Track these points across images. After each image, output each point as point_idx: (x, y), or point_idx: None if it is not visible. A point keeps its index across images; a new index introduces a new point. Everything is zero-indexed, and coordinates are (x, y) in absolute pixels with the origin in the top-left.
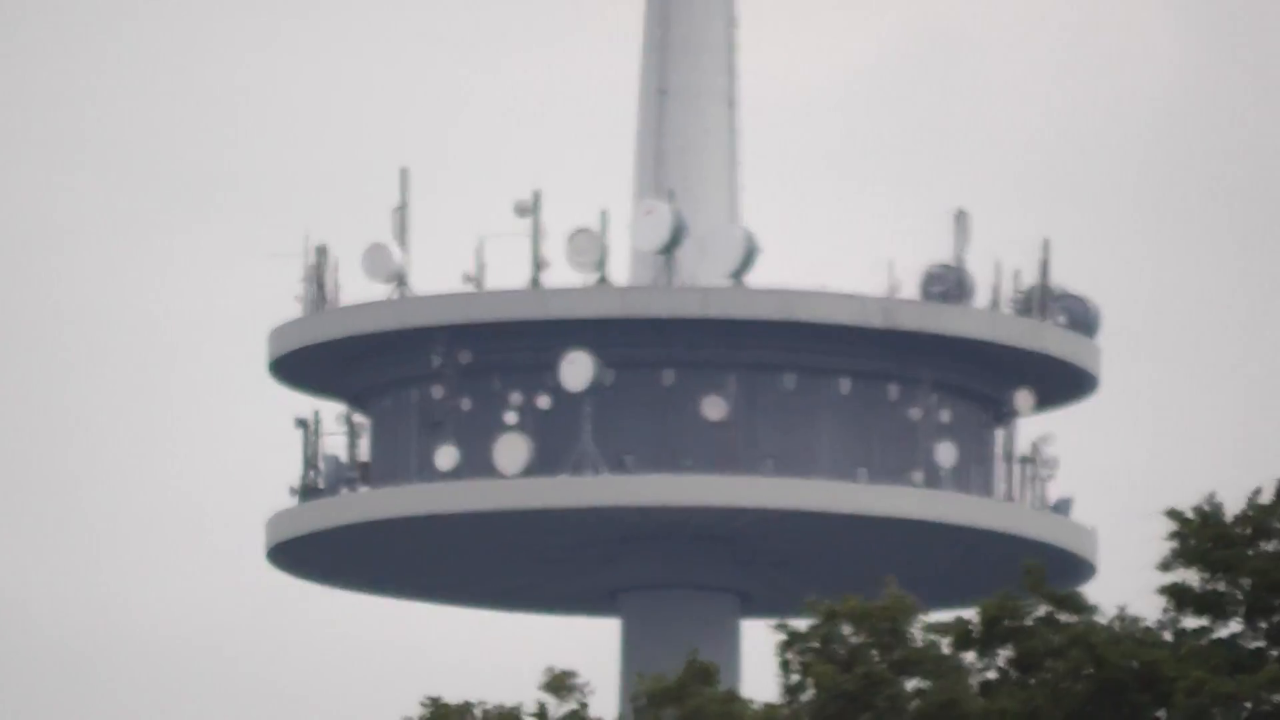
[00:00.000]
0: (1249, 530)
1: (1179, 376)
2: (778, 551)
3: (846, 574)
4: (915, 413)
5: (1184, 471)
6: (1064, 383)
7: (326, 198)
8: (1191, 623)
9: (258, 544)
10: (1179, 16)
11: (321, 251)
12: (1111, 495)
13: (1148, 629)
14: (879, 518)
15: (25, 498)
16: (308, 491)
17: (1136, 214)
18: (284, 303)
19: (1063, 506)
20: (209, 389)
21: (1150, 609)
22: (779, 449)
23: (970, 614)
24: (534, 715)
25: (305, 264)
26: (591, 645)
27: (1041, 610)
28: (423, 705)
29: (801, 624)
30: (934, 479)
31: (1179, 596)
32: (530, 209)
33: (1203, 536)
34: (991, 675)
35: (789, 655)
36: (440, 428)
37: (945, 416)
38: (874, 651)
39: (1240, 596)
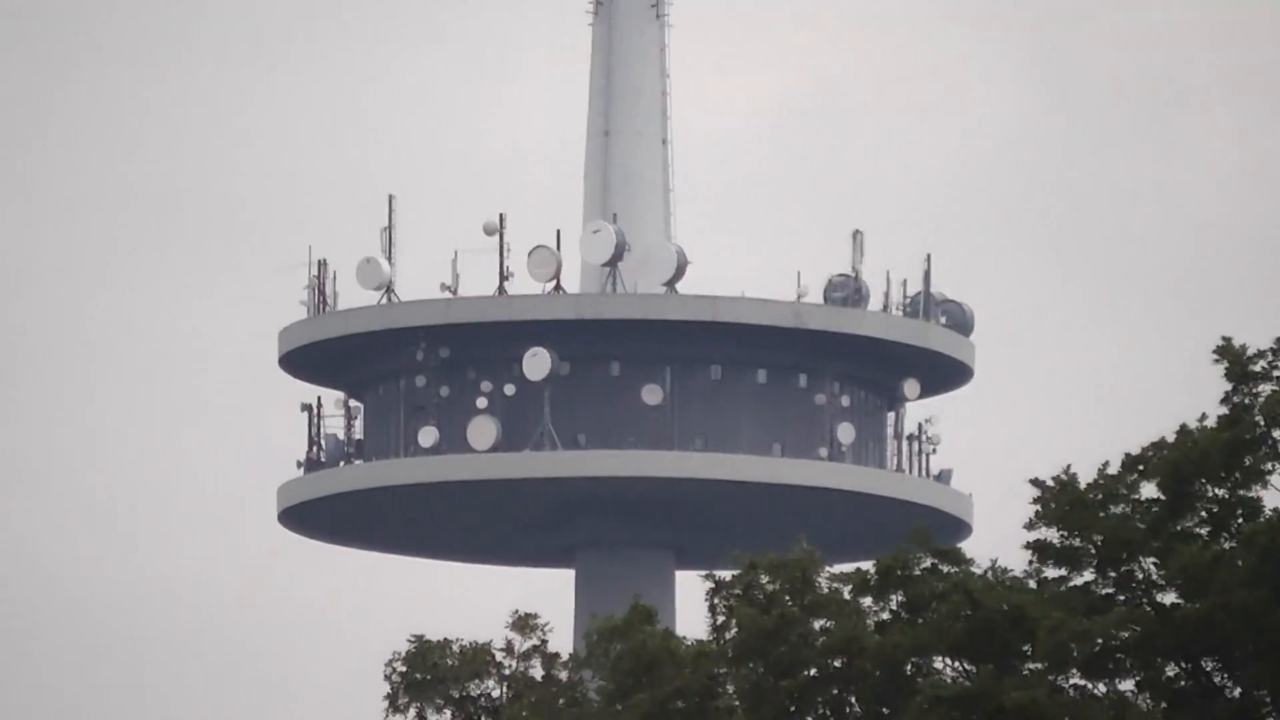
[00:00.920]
0: (1099, 496)
1: (1040, 368)
2: (706, 514)
3: (764, 533)
4: (820, 398)
5: (1045, 447)
6: (944, 373)
7: (326, 220)
8: (1052, 573)
9: (270, 509)
10: (1020, 72)
11: (322, 264)
12: (985, 467)
13: (1015, 578)
14: (791, 486)
15: (78, 473)
16: (311, 465)
17: (1002, 233)
18: (290, 307)
19: (944, 477)
20: (228, 380)
21: (1017, 561)
22: (707, 429)
23: (867, 565)
24: (502, 650)
25: (308, 275)
26: (550, 593)
27: (927, 562)
28: (409, 641)
29: (727, 574)
30: (836, 454)
31: (1041, 551)
32: (497, 229)
33: (1061, 501)
34: (885, 616)
35: (716, 600)
36: (422, 411)
37: (845, 401)
38: (787, 597)
39: (1092, 551)
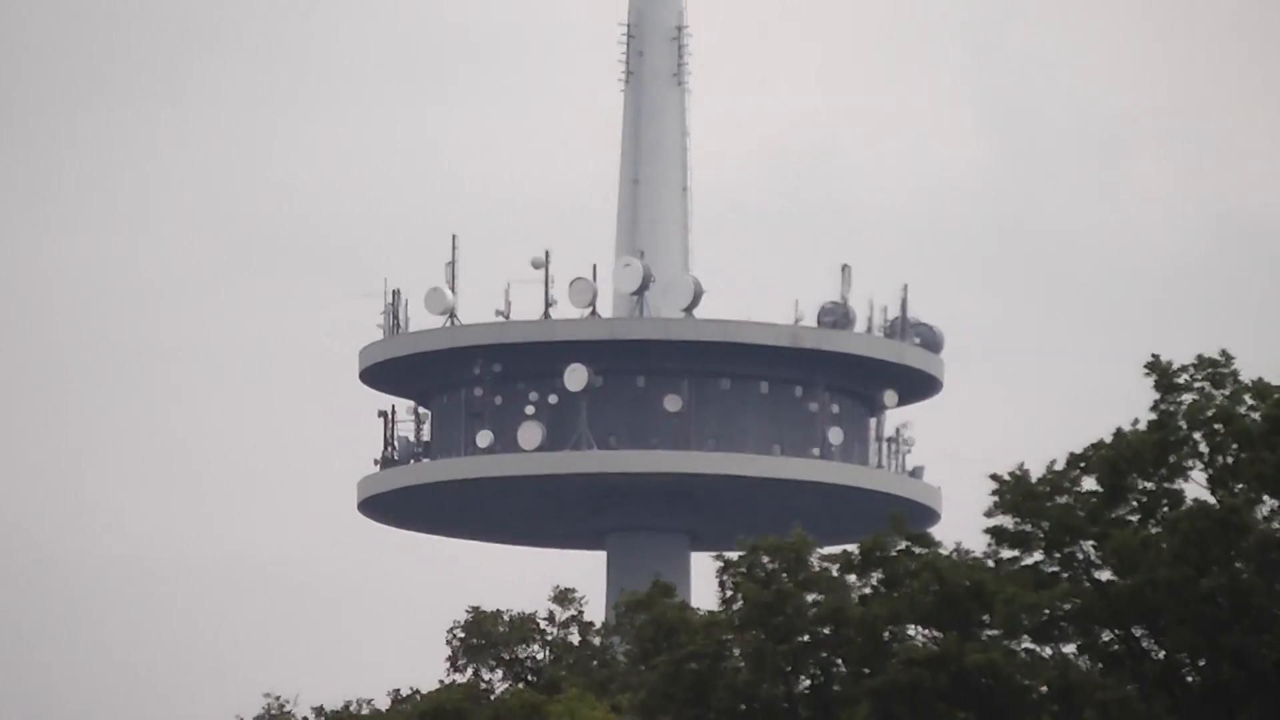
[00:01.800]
0: (1048, 489)
1: (998, 381)
2: (717, 504)
3: (766, 520)
4: (814, 406)
5: (1002, 447)
6: (918, 385)
7: (399, 255)
8: (1007, 553)
9: (351, 499)
10: (982, 126)
11: (395, 293)
12: (951, 465)
13: (976, 558)
14: (789, 480)
15: (194, 467)
16: (386, 462)
17: (966, 266)
18: (369, 329)
19: (917, 473)
20: (316, 390)
21: (978, 544)
22: (718, 432)
23: (852, 548)
24: (545, 619)
25: (384, 302)
26: (586, 571)
27: (902, 545)
28: (466, 612)
29: (734, 555)
30: (827, 453)
31: (998, 535)
32: (543, 263)
33: (1015, 493)
34: (867, 591)
35: (725, 577)
36: (479, 417)
37: (835, 409)
38: (784, 575)
39: (1041, 535)
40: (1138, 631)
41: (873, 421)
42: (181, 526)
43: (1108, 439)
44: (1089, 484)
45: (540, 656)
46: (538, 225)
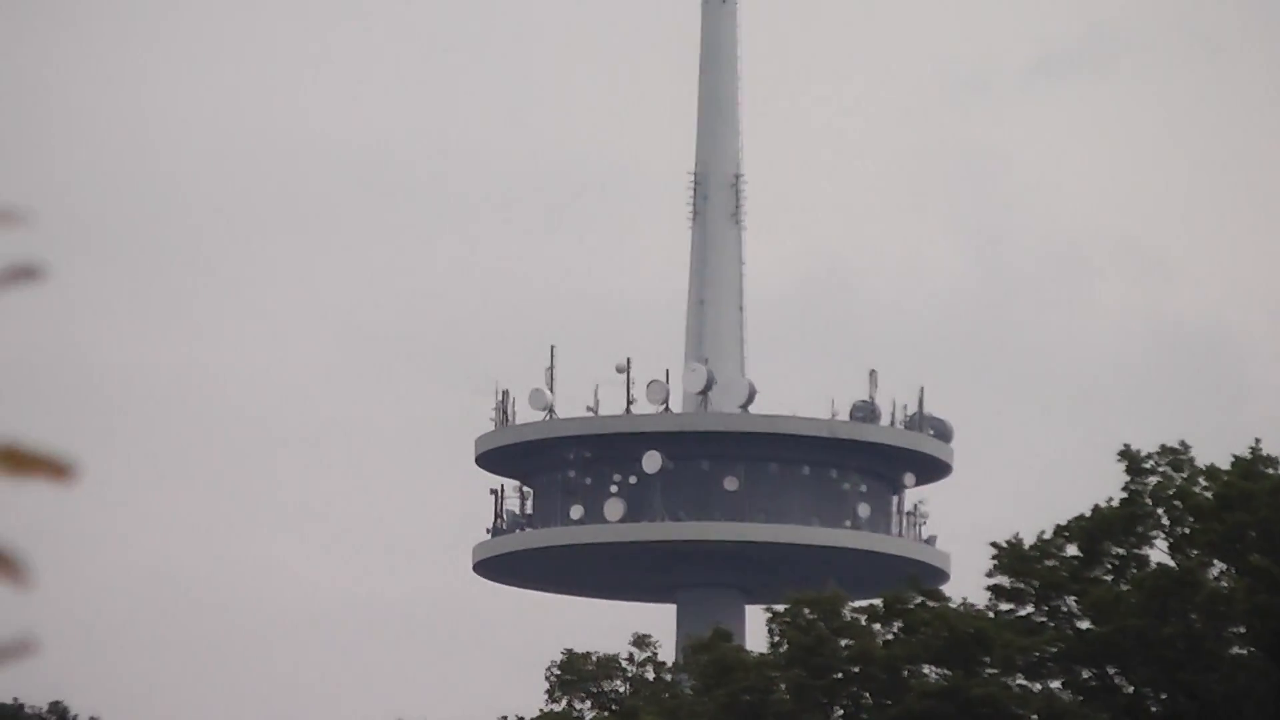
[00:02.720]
0: (1038, 554)
1: (997, 465)
2: (767, 566)
3: (806, 579)
4: (846, 486)
5: (1001, 520)
6: (932, 469)
7: (508, 362)
8: (1004, 606)
9: (468, 561)
10: (971, 252)
11: (505, 393)
12: (959, 535)
13: (979, 610)
14: (825, 546)
15: (340, 533)
16: (497, 531)
17: (971, 370)
18: (483, 422)
19: (931, 541)
20: (440, 471)
21: (981, 598)
22: (768, 507)
23: (877, 601)
24: (626, 659)
25: (495, 399)
26: (659, 620)
27: (918, 599)
28: (562, 654)
29: (780, 608)
30: (857, 524)
31: (997, 592)
32: (625, 368)
33: (1011, 557)
34: (889, 636)
35: (773, 625)
36: (573, 495)
37: (863, 488)
38: (821, 623)
39: (1032, 592)
40: (1110, 670)
41: (895, 499)
42: (335, 580)
43: (1087, 513)
44: (1071, 549)
45: (621, 690)
46: (621, 337)
